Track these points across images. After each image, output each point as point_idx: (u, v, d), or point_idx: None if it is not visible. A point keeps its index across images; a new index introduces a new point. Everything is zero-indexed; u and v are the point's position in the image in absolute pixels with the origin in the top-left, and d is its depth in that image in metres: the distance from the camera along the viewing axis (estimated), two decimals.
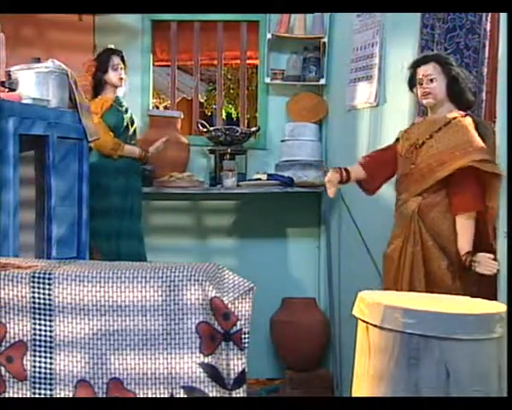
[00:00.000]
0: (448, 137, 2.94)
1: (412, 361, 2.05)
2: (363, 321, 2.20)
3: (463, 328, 2.04)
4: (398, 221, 3.11)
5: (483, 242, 2.86)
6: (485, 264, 2.77)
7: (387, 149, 3.37)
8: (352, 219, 4.26)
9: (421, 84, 3.07)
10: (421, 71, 3.08)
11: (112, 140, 3.97)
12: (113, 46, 4.26)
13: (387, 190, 3.45)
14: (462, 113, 3.02)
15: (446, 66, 3.04)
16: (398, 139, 3.26)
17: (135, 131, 4.26)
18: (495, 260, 2.75)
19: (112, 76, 4.07)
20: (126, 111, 4.16)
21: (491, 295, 2.58)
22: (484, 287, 2.79)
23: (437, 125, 3.02)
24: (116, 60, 4.08)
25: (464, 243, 2.87)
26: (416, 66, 3.13)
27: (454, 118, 2.99)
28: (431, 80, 3.04)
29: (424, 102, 3.11)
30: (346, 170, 3.33)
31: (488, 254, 2.78)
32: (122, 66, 4.11)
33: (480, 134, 2.92)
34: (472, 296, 2.44)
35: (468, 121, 2.96)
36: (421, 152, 3.03)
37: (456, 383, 2.02)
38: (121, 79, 4.10)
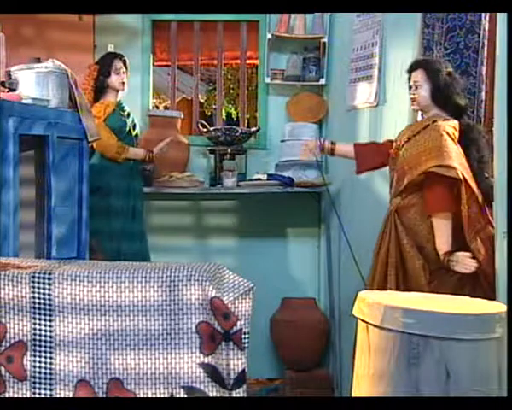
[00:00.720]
0: (421, 142, 3.03)
1: (412, 361, 2.05)
2: (363, 321, 2.20)
3: (463, 328, 2.04)
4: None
5: (459, 244, 2.92)
6: (462, 263, 2.86)
7: (384, 142, 3.50)
8: (341, 225, 4.26)
9: (411, 89, 3.17)
10: (412, 76, 3.17)
11: (116, 143, 3.98)
12: (113, 47, 4.27)
13: (385, 191, 3.45)
14: (447, 117, 3.07)
15: (433, 72, 3.10)
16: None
17: (137, 134, 4.27)
18: (473, 258, 2.84)
19: (114, 80, 4.08)
20: (128, 115, 4.18)
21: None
22: (462, 289, 2.84)
23: (416, 128, 3.12)
24: (119, 64, 4.09)
25: (441, 243, 2.94)
26: (409, 71, 3.21)
27: (433, 122, 3.05)
28: (416, 87, 3.14)
29: (411, 108, 3.24)
30: (333, 143, 3.61)
31: (466, 253, 2.87)
32: (124, 70, 4.12)
33: (469, 138, 3.00)
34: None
35: (449, 125, 3.01)
36: (400, 155, 3.13)
37: (456, 383, 2.02)
38: (123, 83, 4.11)
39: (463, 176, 2.88)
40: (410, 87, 3.18)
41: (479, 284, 2.87)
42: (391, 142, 3.35)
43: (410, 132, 3.13)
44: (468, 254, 2.86)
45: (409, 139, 3.11)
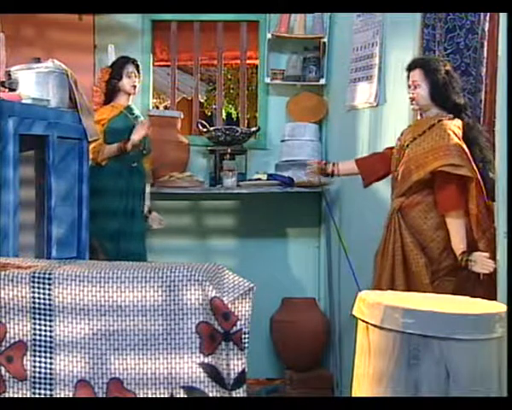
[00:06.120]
0: (427, 141, 3.03)
1: (412, 361, 2.05)
2: (363, 321, 2.20)
3: (463, 328, 2.04)
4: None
5: (469, 242, 2.91)
6: (481, 263, 2.83)
7: (384, 150, 3.48)
8: (334, 224, 4.27)
9: (410, 88, 3.18)
10: (411, 76, 3.17)
11: (91, 147, 3.73)
12: (113, 47, 4.28)
13: (385, 191, 3.46)
14: (451, 116, 3.08)
15: (431, 72, 3.10)
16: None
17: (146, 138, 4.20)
18: (491, 258, 2.79)
19: (125, 83, 4.10)
20: (137, 118, 4.16)
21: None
22: (466, 289, 2.82)
23: (421, 128, 3.11)
24: (131, 68, 4.12)
25: (457, 242, 2.92)
26: (407, 70, 3.21)
27: (439, 121, 3.06)
28: (415, 87, 3.14)
29: (411, 107, 3.24)
30: (334, 164, 3.61)
31: (484, 254, 2.83)
32: (136, 74, 4.14)
33: (469, 137, 3.00)
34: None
35: (454, 125, 3.02)
36: (405, 154, 3.12)
37: (456, 383, 2.02)
38: (134, 86, 4.13)
39: (472, 174, 2.88)
40: (409, 86, 3.18)
41: (481, 283, 2.85)
42: (391, 148, 3.34)
43: (415, 132, 3.12)
44: (486, 254, 2.82)
45: (414, 139, 3.10)
